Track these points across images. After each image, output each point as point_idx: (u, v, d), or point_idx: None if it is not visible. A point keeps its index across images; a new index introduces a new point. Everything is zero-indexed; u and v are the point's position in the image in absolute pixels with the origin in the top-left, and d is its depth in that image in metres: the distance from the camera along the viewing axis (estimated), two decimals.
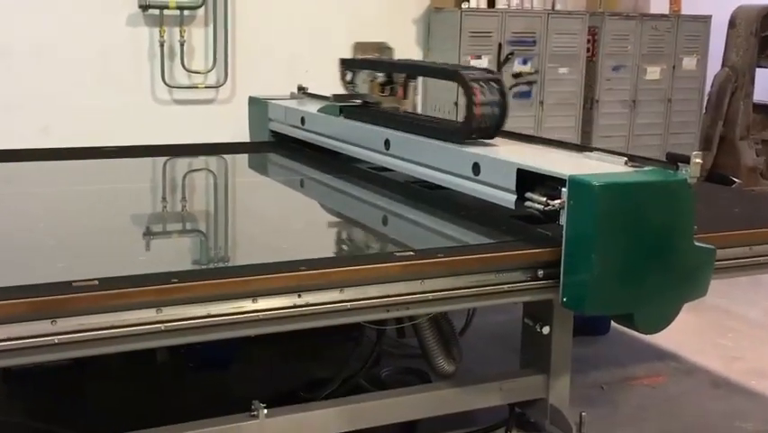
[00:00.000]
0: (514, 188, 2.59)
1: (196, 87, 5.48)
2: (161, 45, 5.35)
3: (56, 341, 2.02)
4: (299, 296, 2.23)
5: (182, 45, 5.40)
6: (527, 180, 2.56)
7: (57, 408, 3.04)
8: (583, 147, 2.99)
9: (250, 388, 2.80)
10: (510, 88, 6.20)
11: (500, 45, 6.12)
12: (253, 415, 2.45)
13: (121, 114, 5.21)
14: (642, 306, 2.43)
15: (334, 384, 2.98)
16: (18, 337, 2.00)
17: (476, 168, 2.79)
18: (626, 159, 2.61)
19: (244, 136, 4.68)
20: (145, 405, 3.03)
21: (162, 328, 2.11)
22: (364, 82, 3.71)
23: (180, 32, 5.33)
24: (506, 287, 2.43)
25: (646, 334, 2.63)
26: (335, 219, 3.39)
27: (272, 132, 4.38)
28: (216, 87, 5.51)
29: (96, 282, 2.12)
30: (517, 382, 2.94)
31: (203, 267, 2.62)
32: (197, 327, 2.16)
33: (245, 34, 5.56)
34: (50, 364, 2.99)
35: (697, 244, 2.46)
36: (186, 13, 5.33)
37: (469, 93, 2.85)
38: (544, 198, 2.46)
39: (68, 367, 3.06)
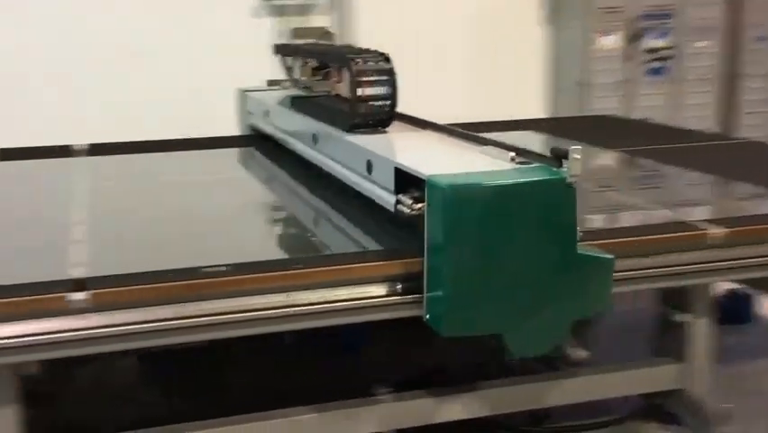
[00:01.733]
0: (393, 188, 2.34)
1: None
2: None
3: (187, 324, 2.09)
4: None
5: None
6: (404, 181, 2.29)
7: (190, 386, 3.15)
8: (485, 139, 2.58)
9: (378, 372, 2.80)
10: (643, 64, 5.94)
11: (632, 20, 5.86)
12: (380, 398, 2.44)
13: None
14: (512, 325, 2.09)
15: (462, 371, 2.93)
16: (153, 320, 2.08)
17: (369, 166, 2.55)
18: (512, 154, 2.26)
19: None
20: (274, 386, 3.09)
21: (291, 313, 2.14)
22: (302, 67, 3.59)
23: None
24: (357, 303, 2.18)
25: (523, 357, 2.23)
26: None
27: (251, 126, 4.21)
28: None
29: (226, 268, 2.17)
30: (654, 372, 2.80)
31: (327, 253, 2.63)
32: (321, 312, 2.18)
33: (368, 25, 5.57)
34: (187, 346, 3.11)
35: (585, 252, 2.13)
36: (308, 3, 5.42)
37: (354, 81, 2.70)
38: (410, 201, 2.21)
39: (201, 348, 3.16)
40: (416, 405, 2.52)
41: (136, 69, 5.35)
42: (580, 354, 2.95)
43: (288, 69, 3.68)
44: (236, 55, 5.30)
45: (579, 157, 2.04)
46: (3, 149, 3.92)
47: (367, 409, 2.46)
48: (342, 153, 2.86)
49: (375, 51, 2.82)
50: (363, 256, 2.29)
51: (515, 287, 2.07)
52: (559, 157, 2.09)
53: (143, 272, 2.14)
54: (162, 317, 2.09)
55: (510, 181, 2.06)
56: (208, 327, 2.13)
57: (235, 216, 3.05)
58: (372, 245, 2.52)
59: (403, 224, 2.34)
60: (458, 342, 2.17)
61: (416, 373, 2.84)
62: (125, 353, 3.25)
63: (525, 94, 6.14)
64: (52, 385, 3.12)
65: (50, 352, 2.07)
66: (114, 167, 3.88)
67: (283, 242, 2.84)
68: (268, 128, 3.91)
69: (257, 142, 4.13)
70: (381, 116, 2.77)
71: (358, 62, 2.73)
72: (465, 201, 2.00)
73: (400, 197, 2.28)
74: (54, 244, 2.53)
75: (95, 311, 2.06)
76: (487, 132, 4.47)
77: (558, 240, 2.08)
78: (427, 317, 2.10)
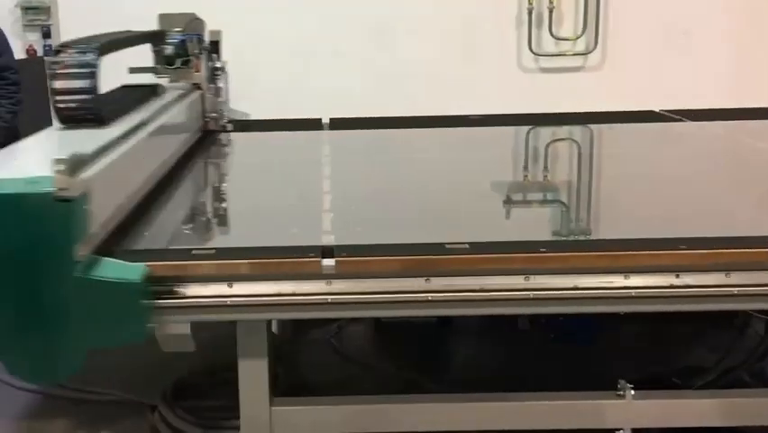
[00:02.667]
0: None
1: (564, 55, 5.38)
2: (529, 12, 5.33)
3: (429, 298, 2.10)
4: (677, 276, 2.07)
5: (551, 11, 5.32)
6: None
7: (422, 360, 3.20)
8: None
9: (613, 367, 2.67)
10: None
11: None
12: (619, 394, 2.33)
13: (487, 83, 5.30)
14: (11, 348, 1.93)
15: (712, 374, 2.73)
16: (395, 291, 2.11)
17: None
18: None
19: (614, 105, 4.49)
20: (503, 369, 3.06)
21: (531, 296, 2.09)
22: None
23: None
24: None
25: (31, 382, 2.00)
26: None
27: None
28: (585, 53, 5.36)
29: (467, 246, 2.16)
30: None
31: (571, 238, 2.54)
32: (564, 297, 2.11)
33: None
34: (417, 319, 3.16)
35: (100, 276, 1.90)
36: None
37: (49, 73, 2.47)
38: None
39: (431, 324, 3.21)
40: (658, 405, 2.37)
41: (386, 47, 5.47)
42: None
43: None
44: None
45: (62, 168, 1.82)
46: (332, 119, 4.35)
47: (607, 405, 2.35)
48: None
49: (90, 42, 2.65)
50: None
51: (8, 308, 1.90)
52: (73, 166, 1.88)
53: (389, 244, 2.19)
54: (403, 288, 2.12)
55: None
56: (446, 303, 2.13)
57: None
58: None
59: None
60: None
61: (656, 371, 2.67)
62: (362, 320, 3.39)
63: None
64: (293, 345, 3.32)
65: (298, 312, 2.17)
66: (361, 140, 4.02)
67: None
68: None
69: None
70: (83, 112, 2.53)
71: (60, 54, 2.54)
72: None
73: None
74: (306, 211, 2.65)
75: (340, 278, 2.13)
76: (749, 119, 4.17)
77: (54, 260, 1.87)
78: None
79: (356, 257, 2.13)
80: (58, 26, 4.96)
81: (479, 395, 2.38)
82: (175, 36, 3.85)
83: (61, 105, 2.52)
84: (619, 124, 4.27)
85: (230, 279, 2.10)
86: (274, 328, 2.40)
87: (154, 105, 3.23)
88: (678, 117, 4.36)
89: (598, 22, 5.28)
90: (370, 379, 3.08)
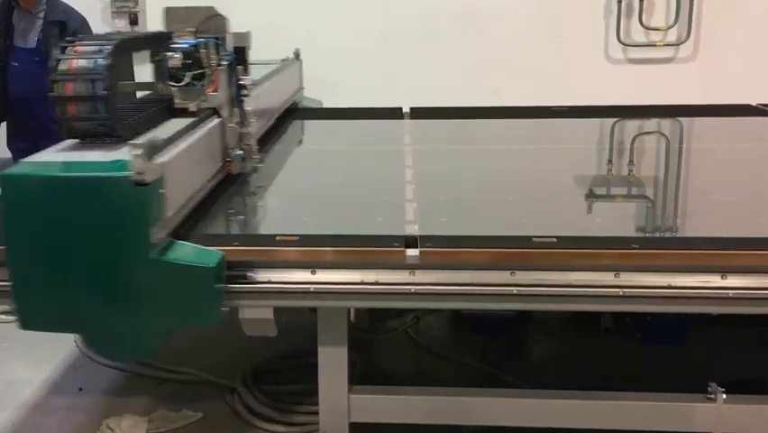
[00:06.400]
0: None
1: (654, 46, 5.21)
2: (619, 2, 5.19)
3: (515, 292, 2.06)
4: None
5: (641, 1, 5.17)
6: None
7: (501, 354, 3.16)
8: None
9: (703, 368, 2.58)
10: None
11: None
12: (710, 398, 2.24)
13: (572, 74, 5.19)
14: (92, 327, 1.93)
15: None
16: (479, 284, 2.08)
17: None
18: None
19: (707, 98, 4.32)
20: (585, 367, 2.99)
21: (621, 294, 2.02)
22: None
23: None
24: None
25: (113, 359, 2.04)
26: None
27: None
28: (677, 44, 5.18)
29: (555, 240, 2.10)
30: None
31: (664, 235, 2.45)
32: (656, 296, 2.04)
33: None
34: (498, 313, 3.11)
35: (173, 259, 1.89)
36: None
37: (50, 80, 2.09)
38: None
39: (513, 319, 3.15)
40: (750, 410, 2.27)
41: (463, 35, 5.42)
42: None
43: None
44: None
45: (139, 153, 1.81)
46: (413, 108, 4.23)
47: (697, 408, 2.27)
48: None
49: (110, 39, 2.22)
50: None
51: (88, 287, 1.93)
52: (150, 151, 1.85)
53: (473, 236, 2.15)
54: (488, 281, 2.08)
55: (63, 174, 1.91)
56: (532, 298, 2.08)
57: None
58: None
59: None
60: None
61: (749, 375, 2.57)
62: (440, 312, 3.36)
63: None
64: (371, 334, 3.31)
65: (378, 301, 2.16)
66: (442, 130, 3.98)
67: None
68: None
69: None
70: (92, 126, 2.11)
71: (68, 53, 2.11)
72: (19, 189, 1.88)
73: None
74: (390, 201, 2.63)
75: (424, 268, 2.10)
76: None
77: (129, 242, 1.89)
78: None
79: (441, 248, 2.11)
80: (144, 12, 5.08)
81: (559, 392, 2.33)
82: (184, 40, 2.60)
83: (71, 117, 2.10)
84: (713, 118, 4.11)
85: (313, 266, 2.10)
86: (351, 318, 2.40)
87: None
88: None
89: (691, 11, 5.10)
90: (447, 371, 3.05)
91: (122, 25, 5.03)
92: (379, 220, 2.41)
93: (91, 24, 4.40)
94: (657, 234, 2.44)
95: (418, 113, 4.20)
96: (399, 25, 5.18)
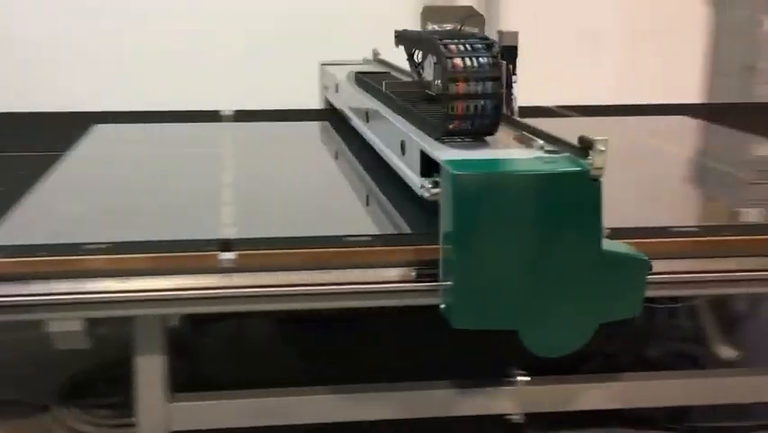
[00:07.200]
0: (419, 170, 2.21)
1: None
2: None
3: (334, 291, 2.11)
4: None
5: None
6: (431, 164, 2.15)
7: (330, 353, 3.21)
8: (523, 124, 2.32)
9: (511, 355, 2.74)
10: None
11: None
12: (510, 381, 2.41)
13: None
14: (528, 323, 1.96)
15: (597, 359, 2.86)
16: (295, 284, 2.11)
17: (402, 147, 2.42)
18: (541, 142, 2.10)
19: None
20: (402, 360, 3.10)
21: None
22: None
23: None
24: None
25: (543, 356, 2.02)
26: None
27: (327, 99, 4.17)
28: None
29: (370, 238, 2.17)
30: None
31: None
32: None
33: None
34: (329, 312, 3.15)
35: (613, 250, 1.97)
36: None
37: (445, 78, 2.11)
38: (430, 185, 2.10)
39: (343, 317, 3.20)
40: (550, 391, 2.46)
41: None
42: (729, 353, 2.79)
43: (416, 67, 2.82)
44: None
45: (604, 149, 1.89)
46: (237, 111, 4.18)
47: (499, 391, 2.42)
48: (384, 133, 2.73)
49: (478, 37, 2.24)
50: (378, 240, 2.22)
51: (529, 282, 1.95)
52: (586, 147, 1.93)
53: (288, 237, 2.18)
54: (302, 282, 2.12)
55: (526, 170, 1.93)
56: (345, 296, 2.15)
57: None
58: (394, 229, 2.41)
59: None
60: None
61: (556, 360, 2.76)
62: (262, 314, 3.36)
63: (680, 77, 5.81)
64: (192, 340, 3.26)
65: (196, 306, 2.15)
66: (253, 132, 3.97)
67: None
68: (337, 102, 3.88)
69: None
70: (485, 117, 2.13)
71: (451, 51, 2.10)
72: (475, 189, 1.88)
73: (423, 180, 2.18)
74: (204, 205, 2.61)
75: (240, 271, 2.11)
76: (637, 115, 4.33)
77: (579, 236, 1.94)
78: (442, 306, 2.02)
79: (255, 250, 2.13)
80: None
81: (373, 385, 2.43)
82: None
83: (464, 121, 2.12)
84: None
85: (125, 273, 2.06)
86: (172, 323, 2.36)
87: None
88: None
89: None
90: (268, 371, 3.07)
91: None
92: (193, 225, 2.38)
93: None
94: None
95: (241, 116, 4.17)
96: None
